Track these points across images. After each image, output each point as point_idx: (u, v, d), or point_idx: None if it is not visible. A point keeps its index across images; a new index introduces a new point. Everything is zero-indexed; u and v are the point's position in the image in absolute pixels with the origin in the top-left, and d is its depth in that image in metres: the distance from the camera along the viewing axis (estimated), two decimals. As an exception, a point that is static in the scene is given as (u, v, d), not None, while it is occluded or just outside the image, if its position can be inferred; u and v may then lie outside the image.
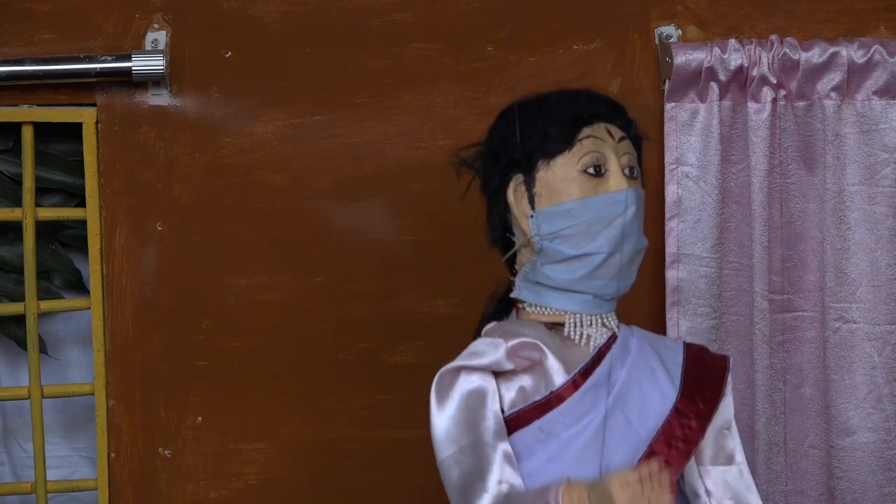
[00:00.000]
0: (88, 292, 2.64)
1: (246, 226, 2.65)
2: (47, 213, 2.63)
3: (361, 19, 2.65)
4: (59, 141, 2.68)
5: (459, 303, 2.66)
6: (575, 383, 1.98)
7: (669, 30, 2.65)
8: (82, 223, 2.64)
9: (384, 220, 2.67)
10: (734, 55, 2.58)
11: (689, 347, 2.08)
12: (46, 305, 2.64)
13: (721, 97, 2.60)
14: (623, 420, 1.98)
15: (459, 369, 1.98)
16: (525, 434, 1.98)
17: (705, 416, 2.01)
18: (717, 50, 2.58)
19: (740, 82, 2.59)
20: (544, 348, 1.99)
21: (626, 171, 2.00)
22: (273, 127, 2.65)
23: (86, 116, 2.61)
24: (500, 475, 1.94)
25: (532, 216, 2.01)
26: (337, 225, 2.66)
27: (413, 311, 2.65)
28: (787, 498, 2.63)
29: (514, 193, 2.03)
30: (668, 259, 2.61)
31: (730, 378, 2.07)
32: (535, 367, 1.99)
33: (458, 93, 2.65)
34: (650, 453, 1.97)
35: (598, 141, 1.99)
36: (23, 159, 2.61)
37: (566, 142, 1.99)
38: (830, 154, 2.60)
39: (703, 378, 2.04)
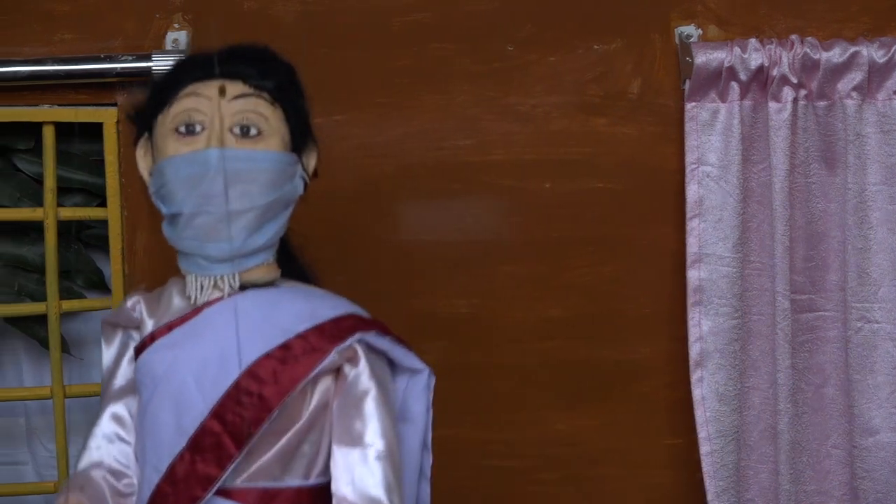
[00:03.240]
0: (110, 292, 2.65)
1: (266, 225, 2.65)
2: (69, 213, 2.63)
3: (381, 19, 2.65)
4: (81, 141, 2.68)
5: (480, 303, 2.66)
6: (143, 343, 2.00)
7: (689, 29, 2.65)
8: (104, 223, 2.64)
9: (404, 219, 2.67)
10: (754, 55, 2.57)
11: (332, 323, 1.98)
12: (68, 305, 2.64)
13: (742, 97, 2.60)
14: (191, 383, 1.94)
15: (108, 324, 2.08)
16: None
17: (270, 399, 1.91)
18: (737, 50, 2.58)
19: (761, 82, 2.59)
20: (140, 307, 2.04)
21: (237, 129, 1.96)
22: (293, 127, 2.64)
23: (106, 116, 2.61)
24: (99, 440, 2.05)
25: (151, 174, 2.03)
26: (357, 225, 2.66)
27: (434, 311, 2.64)
28: (809, 498, 2.63)
29: (140, 150, 2.06)
30: (689, 259, 2.61)
31: (360, 351, 1.97)
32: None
33: (478, 93, 2.65)
34: (214, 417, 1.91)
35: (200, 99, 1.97)
36: (44, 159, 2.61)
37: (165, 100, 1.99)
38: (852, 154, 2.60)
39: (303, 356, 1.93)
